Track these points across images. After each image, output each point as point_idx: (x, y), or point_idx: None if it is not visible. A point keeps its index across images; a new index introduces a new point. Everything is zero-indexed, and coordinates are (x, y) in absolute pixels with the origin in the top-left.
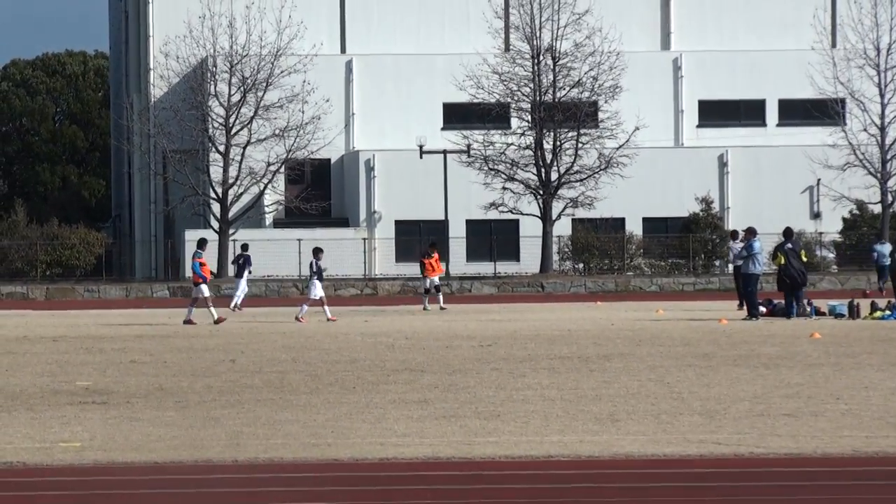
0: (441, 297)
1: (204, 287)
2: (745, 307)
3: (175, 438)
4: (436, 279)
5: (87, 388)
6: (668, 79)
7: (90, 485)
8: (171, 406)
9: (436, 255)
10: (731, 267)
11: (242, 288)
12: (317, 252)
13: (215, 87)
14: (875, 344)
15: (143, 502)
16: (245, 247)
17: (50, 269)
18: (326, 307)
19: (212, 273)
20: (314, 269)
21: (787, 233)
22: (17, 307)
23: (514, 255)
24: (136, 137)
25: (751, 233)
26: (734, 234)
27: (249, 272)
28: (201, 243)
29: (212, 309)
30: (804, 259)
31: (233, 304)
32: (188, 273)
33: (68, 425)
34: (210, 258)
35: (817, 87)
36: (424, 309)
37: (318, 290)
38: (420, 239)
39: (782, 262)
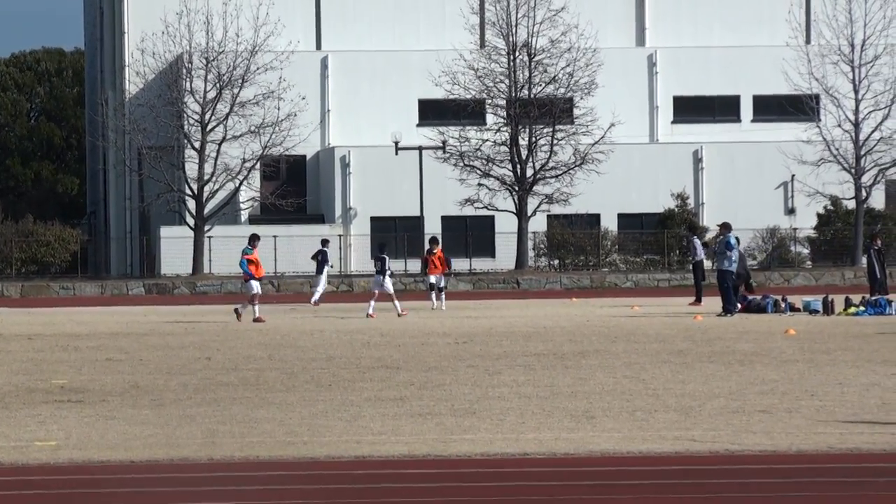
0: (442, 297)
1: (254, 283)
2: (700, 303)
3: (151, 437)
4: (433, 278)
5: (63, 386)
6: (643, 75)
7: (66, 484)
8: (147, 404)
9: (438, 252)
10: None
11: (323, 284)
12: (384, 247)
13: (191, 84)
14: (849, 340)
15: (119, 501)
16: (325, 242)
17: (25, 266)
18: (372, 302)
19: (251, 274)
20: (385, 266)
21: (726, 227)
22: None
23: (489, 251)
24: (112, 134)
25: (726, 228)
26: (694, 228)
27: (330, 266)
28: (252, 239)
29: (256, 307)
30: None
31: (313, 300)
32: (163, 269)
33: (44, 424)
34: (186, 255)
35: (792, 84)
36: (433, 308)
37: (388, 286)
38: (395, 235)
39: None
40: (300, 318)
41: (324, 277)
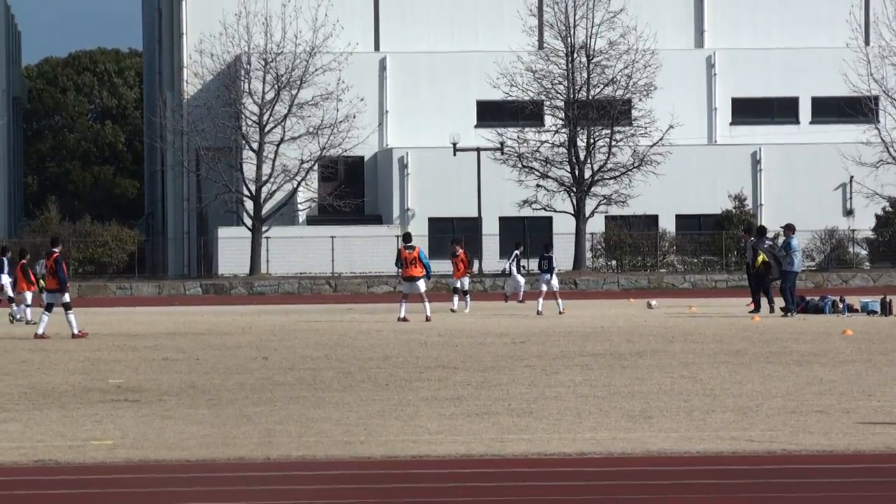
0: (467, 299)
1: (421, 283)
2: (754, 304)
3: (207, 436)
4: (459, 282)
5: (120, 385)
6: (701, 77)
7: (122, 483)
8: (204, 404)
9: (461, 254)
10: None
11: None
12: (548, 246)
13: (249, 85)
14: None
15: (175, 500)
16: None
17: (82, 266)
18: (541, 300)
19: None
20: (552, 264)
21: (762, 231)
22: None
23: None
24: (170, 135)
25: (790, 230)
26: (750, 230)
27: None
28: (408, 237)
29: (427, 304)
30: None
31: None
32: (220, 270)
33: (100, 423)
34: (243, 255)
35: (851, 85)
36: (452, 310)
37: (555, 284)
38: (453, 236)
39: (766, 258)
40: (355, 321)
41: (551, 279)
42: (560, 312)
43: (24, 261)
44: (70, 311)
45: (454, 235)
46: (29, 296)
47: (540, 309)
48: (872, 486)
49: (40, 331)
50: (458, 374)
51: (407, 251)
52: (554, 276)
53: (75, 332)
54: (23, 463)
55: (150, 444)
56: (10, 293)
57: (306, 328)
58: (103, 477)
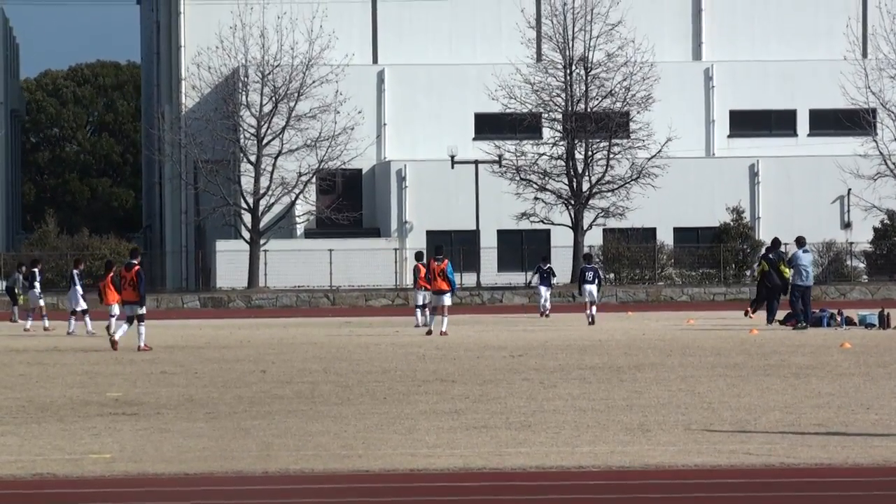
0: (427, 314)
1: (447, 297)
2: (753, 311)
3: (205, 450)
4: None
5: (118, 399)
6: (699, 89)
7: (121, 497)
8: (202, 417)
9: (432, 266)
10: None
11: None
12: (589, 258)
13: (247, 98)
14: None
15: None
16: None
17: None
18: (594, 310)
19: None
20: (596, 275)
21: (775, 243)
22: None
23: None
24: (168, 147)
25: (797, 243)
26: (771, 242)
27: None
28: (439, 249)
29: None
30: (782, 271)
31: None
32: (219, 283)
33: (99, 437)
34: (241, 269)
35: (848, 97)
36: (418, 325)
37: (595, 294)
38: (451, 249)
39: (766, 269)
40: (354, 334)
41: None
42: (589, 316)
43: (111, 273)
44: (142, 324)
45: (417, 251)
46: (117, 307)
47: (592, 319)
48: (871, 500)
49: (117, 336)
50: (457, 387)
51: (436, 262)
52: (596, 285)
53: (141, 345)
54: (21, 476)
55: (148, 458)
56: (84, 305)
57: (304, 341)
58: (101, 490)
